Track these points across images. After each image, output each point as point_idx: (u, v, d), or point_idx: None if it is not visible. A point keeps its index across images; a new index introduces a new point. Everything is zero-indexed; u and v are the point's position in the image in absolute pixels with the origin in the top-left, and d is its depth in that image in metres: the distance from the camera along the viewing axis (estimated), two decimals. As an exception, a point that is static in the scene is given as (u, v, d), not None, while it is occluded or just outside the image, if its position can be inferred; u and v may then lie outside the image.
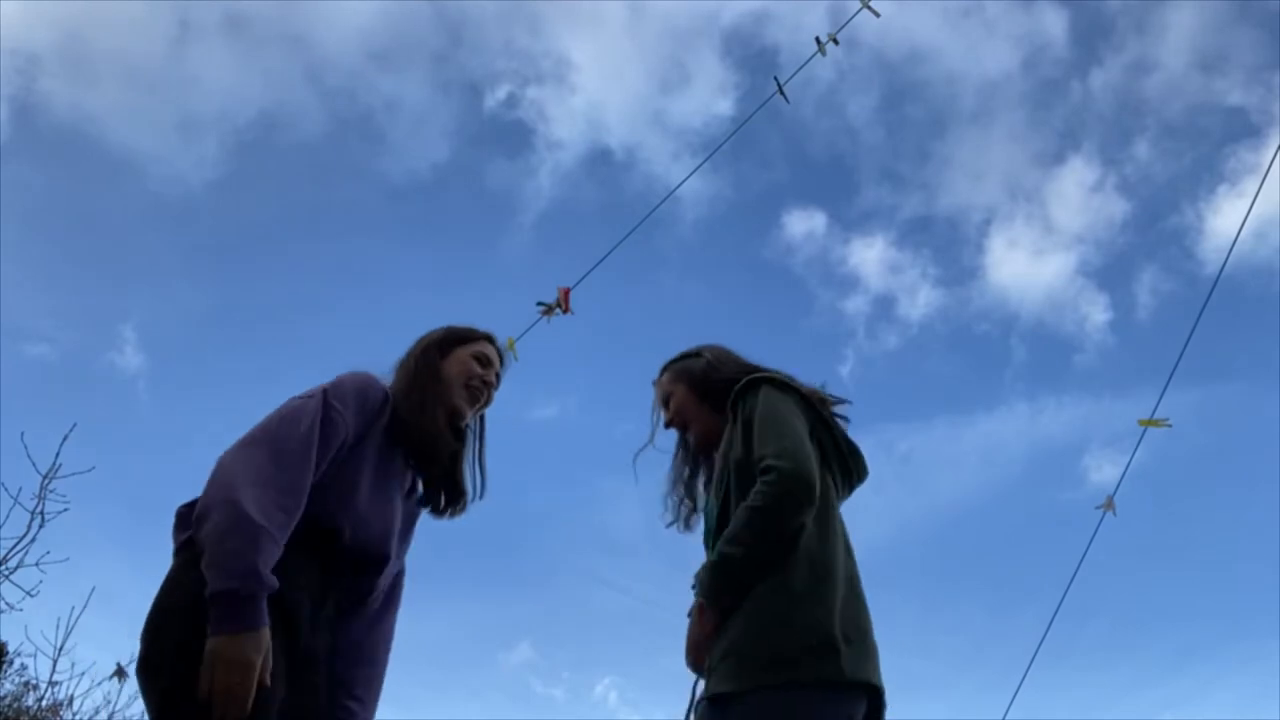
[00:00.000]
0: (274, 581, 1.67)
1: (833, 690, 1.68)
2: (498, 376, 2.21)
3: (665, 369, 2.30)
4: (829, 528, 1.88)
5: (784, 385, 2.05)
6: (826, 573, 1.79)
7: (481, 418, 2.23)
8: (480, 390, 2.15)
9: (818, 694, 1.67)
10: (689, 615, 2.03)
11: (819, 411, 2.04)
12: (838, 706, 1.69)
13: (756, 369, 2.14)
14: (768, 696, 1.67)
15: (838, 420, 2.11)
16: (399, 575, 2.10)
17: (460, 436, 2.17)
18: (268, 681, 1.63)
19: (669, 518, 2.26)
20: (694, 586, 1.91)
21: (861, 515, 1.85)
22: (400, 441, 2.02)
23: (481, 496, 2.20)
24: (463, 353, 2.16)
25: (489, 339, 2.23)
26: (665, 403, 2.27)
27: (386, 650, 2.09)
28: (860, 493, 2.10)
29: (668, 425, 2.27)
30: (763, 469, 1.82)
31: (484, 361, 2.17)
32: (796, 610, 1.73)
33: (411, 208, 10.83)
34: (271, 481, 1.74)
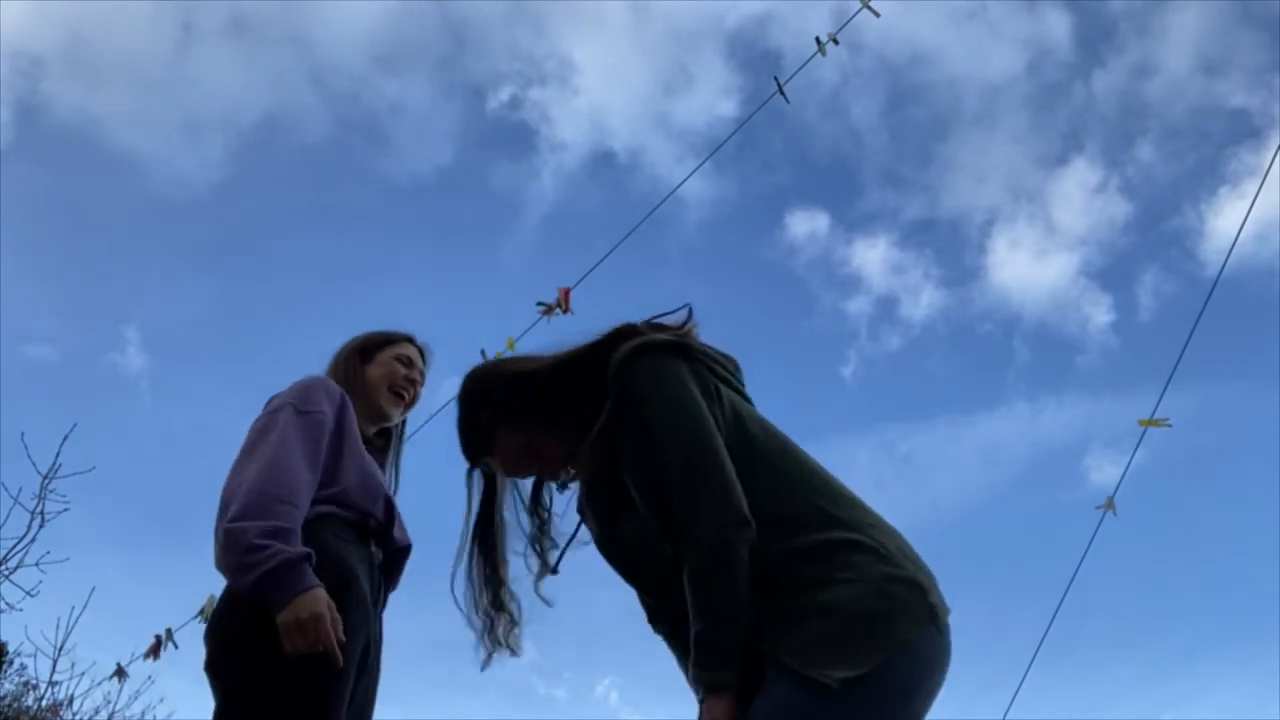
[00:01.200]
0: (302, 548, 1.70)
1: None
2: (421, 375, 2.25)
3: (481, 448, 1.66)
4: (785, 454, 1.49)
5: (658, 352, 1.49)
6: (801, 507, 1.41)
7: (403, 421, 2.26)
8: (405, 390, 2.18)
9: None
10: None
11: (692, 347, 1.53)
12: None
13: (576, 352, 1.60)
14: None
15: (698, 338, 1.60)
16: None
17: (386, 438, 2.22)
18: (342, 636, 1.66)
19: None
20: (693, 685, 1.41)
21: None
22: None
23: (394, 494, 2.22)
24: (385, 355, 2.19)
25: (409, 339, 2.26)
26: (509, 469, 1.69)
27: None
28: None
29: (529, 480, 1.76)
30: (685, 542, 1.38)
31: (407, 362, 2.20)
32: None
33: (415, 209, 10.83)
34: (263, 481, 1.77)
